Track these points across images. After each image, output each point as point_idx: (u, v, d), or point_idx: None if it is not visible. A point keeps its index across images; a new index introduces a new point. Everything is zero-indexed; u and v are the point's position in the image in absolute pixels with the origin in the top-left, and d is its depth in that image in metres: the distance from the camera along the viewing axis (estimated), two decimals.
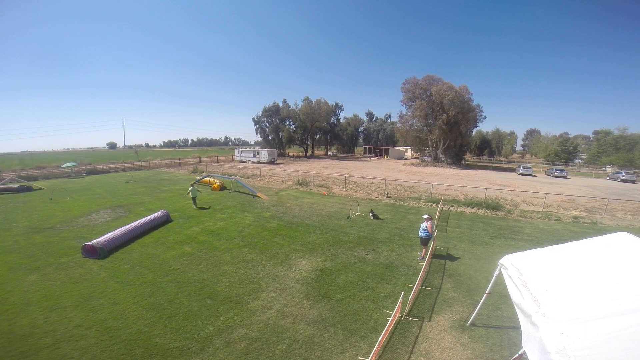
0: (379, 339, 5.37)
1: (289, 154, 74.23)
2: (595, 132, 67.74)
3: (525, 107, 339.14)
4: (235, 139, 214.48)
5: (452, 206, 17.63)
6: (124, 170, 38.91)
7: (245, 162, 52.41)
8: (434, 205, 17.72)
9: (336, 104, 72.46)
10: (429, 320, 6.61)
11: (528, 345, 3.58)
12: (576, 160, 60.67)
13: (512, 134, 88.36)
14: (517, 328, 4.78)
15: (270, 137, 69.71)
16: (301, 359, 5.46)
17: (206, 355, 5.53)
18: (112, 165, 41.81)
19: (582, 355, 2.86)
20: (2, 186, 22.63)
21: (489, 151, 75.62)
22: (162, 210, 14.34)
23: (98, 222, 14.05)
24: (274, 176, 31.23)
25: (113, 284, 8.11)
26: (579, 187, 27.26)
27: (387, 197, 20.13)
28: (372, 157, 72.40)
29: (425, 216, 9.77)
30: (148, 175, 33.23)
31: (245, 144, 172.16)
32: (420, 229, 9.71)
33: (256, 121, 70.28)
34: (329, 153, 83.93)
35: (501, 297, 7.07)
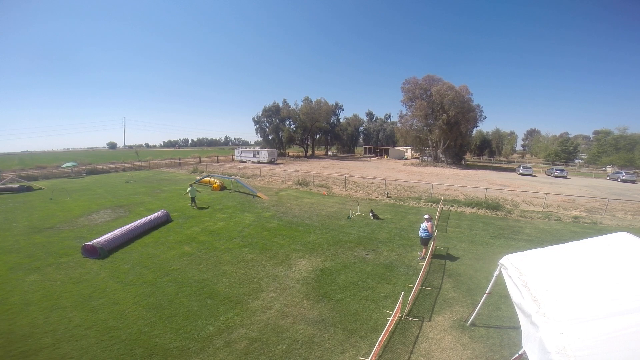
0: (379, 339, 5.37)
1: (289, 154, 74.22)
2: (596, 132, 67.77)
3: (525, 107, 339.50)
4: (235, 139, 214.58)
5: (452, 206, 17.63)
6: (124, 170, 38.92)
7: (245, 162, 52.41)
8: (434, 205, 17.72)
9: (336, 104, 72.54)
10: (429, 320, 6.61)
11: (528, 345, 3.58)
12: (576, 160, 60.65)
13: (512, 134, 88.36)
14: (517, 328, 4.78)
15: (270, 137, 69.74)
16: (301, 359, 5.46)
17: (206, 355, 5.54)
18: (112, 165, 41.82)
19: (582, 355, 2.86)
20: (2, 186, 22.64)
21: (489, 151, 75.59)
22: (162, 210, 14.35)
23: (98, 222, 14.05)
24: (274, 176, 31.23)
25: (113, 284, 8.11)
26: (579, 187, 27.25)
27: (387, 197, 20.13)
28: (372, 157, 72.37)
29: (426, 216, 9.77)
30: (148, 175, 33.24)
31: (245, 144, 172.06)
32: (421, 229, 9.71)
33: (256, 121, 70.32)
34: (329, 153, 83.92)
35: (501, 297, 7.07)
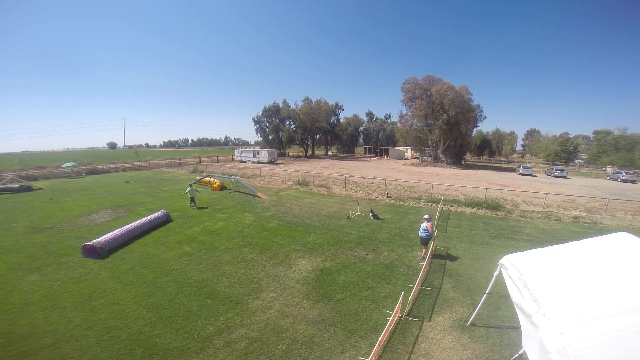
0: (379, 339, 5.37)
1: (289, 154, 74.21)
2: (596, 132, 67.77)
3: (525, 107, 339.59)
4: (235, 139, 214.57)
5: (452, 206, 17.63)
6: (124, 170, 38.92)
7: (245, 162, 52.41)
8: (434, 205, 17.72)
9: (336, 104, 72.53)
10: (429, 320, 6.61)
11: (528, 345, 3.58)
12: (576, 160, 60.67)
13: (512, 134, 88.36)
14: (517, 328, 4.78)
15: (270, 137, 69.73)
16: (301, 359, 5.46)
17: (206, 355, 5.54)
18: (112, 165, 41.82)
19: (582, 355, 2.86)
20: (2, 186, 22.64)
21: (489, 151, 75.59)
22: (162, 210, 14.35)
23: (98, 222, 14.05)
24: (274, 176, 31.23)
25: (113, 283, 8.11)
26: (579, 187, 27.25)
27: (387, 197, 20.13)
28: (372, 157, 72.36)
29: (426, 216, 9.77)
30: (148, 175, 33.24)
31: (245, 144, 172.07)
32: (421, 229, 9.71)
33: (256, 121, 70.31)
34: (329, 153, 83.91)
35: (501, 297, 7.07)
